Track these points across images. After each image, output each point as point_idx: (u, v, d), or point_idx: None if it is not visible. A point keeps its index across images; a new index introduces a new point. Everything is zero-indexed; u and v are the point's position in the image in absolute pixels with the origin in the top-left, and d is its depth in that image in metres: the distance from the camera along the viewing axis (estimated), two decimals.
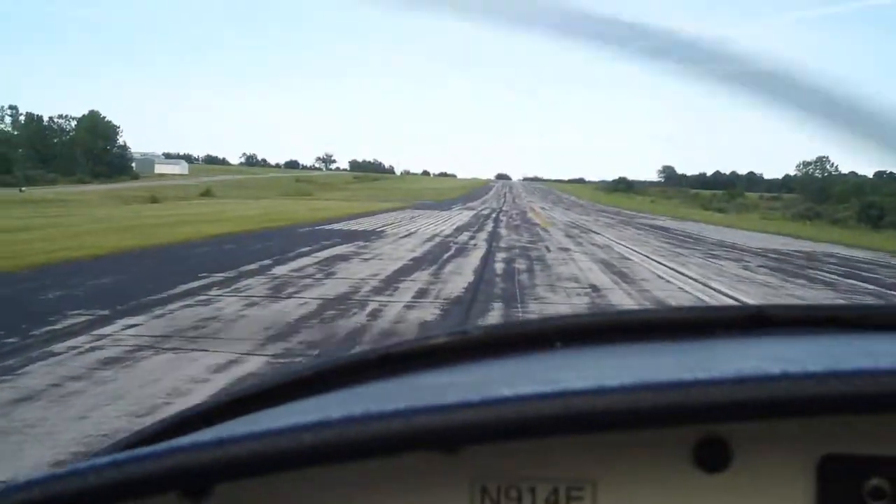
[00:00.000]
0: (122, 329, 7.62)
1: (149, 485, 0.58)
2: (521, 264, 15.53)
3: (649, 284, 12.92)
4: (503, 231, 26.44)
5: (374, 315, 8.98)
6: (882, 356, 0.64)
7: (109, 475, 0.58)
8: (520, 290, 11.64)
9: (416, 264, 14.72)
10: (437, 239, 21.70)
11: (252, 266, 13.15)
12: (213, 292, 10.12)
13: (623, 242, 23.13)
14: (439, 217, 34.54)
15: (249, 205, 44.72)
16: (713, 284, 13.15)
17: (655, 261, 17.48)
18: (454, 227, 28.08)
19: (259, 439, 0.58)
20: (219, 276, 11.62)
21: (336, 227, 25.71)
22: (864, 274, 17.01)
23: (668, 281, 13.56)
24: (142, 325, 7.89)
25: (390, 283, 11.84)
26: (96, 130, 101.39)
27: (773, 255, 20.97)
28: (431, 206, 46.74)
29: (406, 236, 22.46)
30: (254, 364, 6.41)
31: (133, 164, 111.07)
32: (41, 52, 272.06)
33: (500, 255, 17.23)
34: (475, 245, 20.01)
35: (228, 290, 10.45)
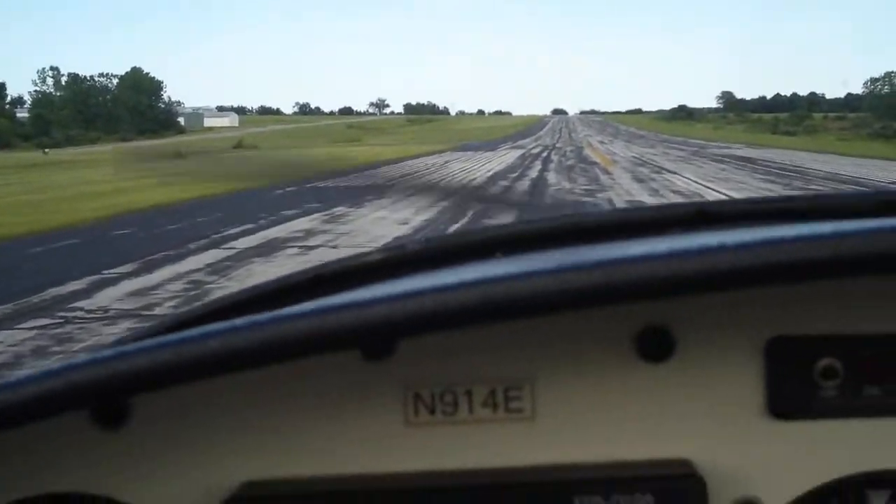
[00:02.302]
0: None
1: (61, 400, 0.54)
2: None
3: None
4: (551, 178, 19.96)
5: None
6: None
7: (28, 391, 0.54)
8: None
9: None
10: (461, 195, 15.50)
11: (63, 289, 7.20)
12: None
13: (712, 185, 16.58)
14: (479, 160, 28.19)
15: (268, 156, 39.41)
16: None
17: None
18: (490, 173, 21.78)
19: (170, 347, 0.54)
20: None
21: (333, 183, 19.71)
22: None
23: None
24: None
25: None
26: (139, 87, 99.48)
27: None
28: (476, 147, 40.34)
29: (419, 192, 16.31)
30: None
31: (181, 119, 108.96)
32: (86, 11, 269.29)
33: None
34: (509, 202, 13.80)
35: None
